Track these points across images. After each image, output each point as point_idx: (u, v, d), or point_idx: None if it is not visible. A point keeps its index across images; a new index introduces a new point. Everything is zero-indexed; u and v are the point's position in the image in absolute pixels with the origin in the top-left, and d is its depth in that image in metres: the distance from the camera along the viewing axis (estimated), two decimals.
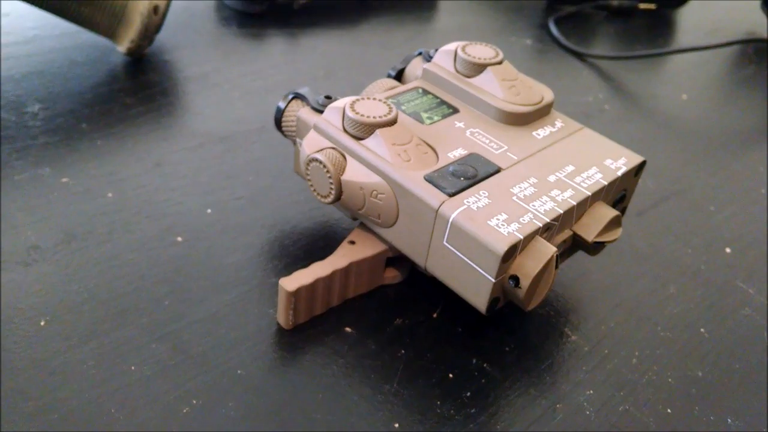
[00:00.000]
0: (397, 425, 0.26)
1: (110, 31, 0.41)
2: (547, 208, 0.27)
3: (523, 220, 0.26)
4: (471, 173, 0.28)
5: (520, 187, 0.27)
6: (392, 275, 0.31)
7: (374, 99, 0.29)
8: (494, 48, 0.33)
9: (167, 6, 0.41)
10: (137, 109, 0.40)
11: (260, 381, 0.26)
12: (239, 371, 0.26)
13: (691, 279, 0.34)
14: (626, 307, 0.32)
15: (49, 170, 0.34)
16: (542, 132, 0.31)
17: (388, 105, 0.29)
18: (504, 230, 0.25)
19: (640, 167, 0.31)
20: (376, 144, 0.28)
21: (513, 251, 0.25)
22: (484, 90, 0.32)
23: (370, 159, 0.28)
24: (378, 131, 0.28)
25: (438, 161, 0.28)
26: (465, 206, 0.26)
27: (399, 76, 0.35)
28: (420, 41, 0.52)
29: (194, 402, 0.25)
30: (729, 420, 0.28)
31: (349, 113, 0.28)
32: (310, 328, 0.29)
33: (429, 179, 0.27)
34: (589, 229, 0.28)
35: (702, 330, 0.32)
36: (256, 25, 0.51)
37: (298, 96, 0.32)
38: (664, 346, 0.30)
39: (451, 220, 0.26)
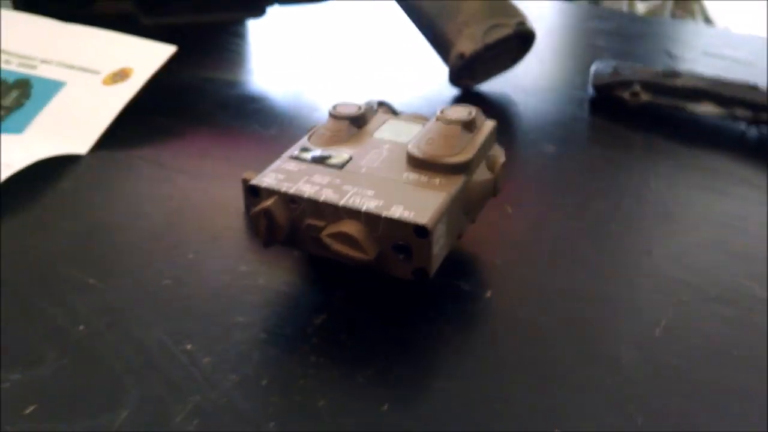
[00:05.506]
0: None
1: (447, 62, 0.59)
2: (304, 190, 0.35)
3: (285, 185, 0.35)
4: (323, 157, 0.37)
5: (322, 177, 0.36)
6: None
7: (358, 106, 0.41)
8: (469, 110, 0.38)
9: (473, 53, 0.55)
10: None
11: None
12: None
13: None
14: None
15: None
16: (411, 176, 0.36)
17: (360, 110, 0.41)
18: (266, 178, 0.36)
19: (419, 230, 0.32)
20: (323, 124, 0.41)
21: (256, 191, 0.36)
22: (421, 133, 0.38)
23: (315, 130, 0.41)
24: (329, 118, 0.41)
25: (332, 147, 0.39)
26: (284, 162, 0.37)
27: None
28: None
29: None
30: None
31: (330, 108, 0.42)
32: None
33: (302, 148, 0.39)
34: (328, 227, 0.34)
35: None
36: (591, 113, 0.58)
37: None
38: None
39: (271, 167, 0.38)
